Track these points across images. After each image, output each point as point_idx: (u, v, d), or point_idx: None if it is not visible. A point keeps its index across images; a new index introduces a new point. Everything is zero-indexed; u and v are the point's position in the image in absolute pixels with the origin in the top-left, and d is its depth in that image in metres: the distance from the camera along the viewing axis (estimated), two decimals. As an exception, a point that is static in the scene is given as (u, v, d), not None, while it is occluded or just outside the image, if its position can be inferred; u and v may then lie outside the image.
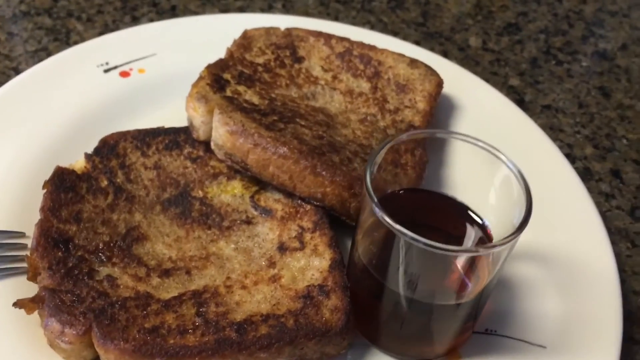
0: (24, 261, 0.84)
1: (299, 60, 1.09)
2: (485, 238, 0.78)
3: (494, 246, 0.68)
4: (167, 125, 1.00)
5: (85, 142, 0.97)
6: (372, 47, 1.12)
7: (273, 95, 1.00)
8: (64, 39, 1.28)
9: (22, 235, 0.88)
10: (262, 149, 0.87)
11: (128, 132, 0.97)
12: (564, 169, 1.04)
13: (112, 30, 1.30)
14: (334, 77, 1.08)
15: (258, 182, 0.93)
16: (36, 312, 0.78)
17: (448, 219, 0.82)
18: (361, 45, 1.12)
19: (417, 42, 1.36)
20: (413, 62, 1.10)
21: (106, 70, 1.12)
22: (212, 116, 0.92)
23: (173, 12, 1.37)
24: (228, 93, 0.96)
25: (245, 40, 1.08)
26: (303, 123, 0.95)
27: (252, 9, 1.41)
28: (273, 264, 0.85)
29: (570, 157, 1.16)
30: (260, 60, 1.06)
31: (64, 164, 0.93)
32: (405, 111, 1.04)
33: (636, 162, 1.18)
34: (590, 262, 0.92)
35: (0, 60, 1.21)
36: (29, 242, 0.86)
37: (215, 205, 0.91)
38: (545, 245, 0.92)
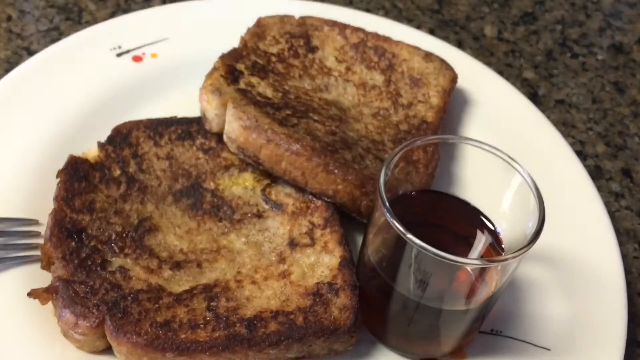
0: (37, 249, 0.85)
1: (313, 50, 1.08)
2: (495, 244, 0.78)
3: (505, 259, 0.68)
4: (180, 111, 1.00)
5: (98, 128, 0.98)
6: (387, 39, 1.11)
7: (286, 87, 0.99)
8: (76, 19, 1.26)
9: (35, 222, 0.89)
10: (275, 145, 0.87)
11: (141, 121, 0.97)
12: (575, 168, 1.03)
13: (124, 10, 1.28)
14: (348, 69, 1.07)
15: (269, 175, 0.93)
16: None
17: (459, 221, 0.82)
18: (376, 36, 1.11)
19: (432, 30, 1.35)
20: (428, 56, 1.09)
21: (119, 54, 1.11)
22: (225, 109, 0.92)
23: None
24: (242, 85, 0.95)
25: (259, 29, 1.07)
26: (316, 118, 0.94)
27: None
28: (283, 259, 0.85)
29: (582, 155, 1.16)
30: (274, 49, 1.05)
31: (76, 150, 0.93)
32: (419, 106, 1.04)
33: (647, 161, 1.17)
34: (597, 264, 0.92)
35: (12, 39, 1.21)
36: (42, 229, 0.87)
37: (226, 197, 0.92)
38: (552, 246, 0.92)
